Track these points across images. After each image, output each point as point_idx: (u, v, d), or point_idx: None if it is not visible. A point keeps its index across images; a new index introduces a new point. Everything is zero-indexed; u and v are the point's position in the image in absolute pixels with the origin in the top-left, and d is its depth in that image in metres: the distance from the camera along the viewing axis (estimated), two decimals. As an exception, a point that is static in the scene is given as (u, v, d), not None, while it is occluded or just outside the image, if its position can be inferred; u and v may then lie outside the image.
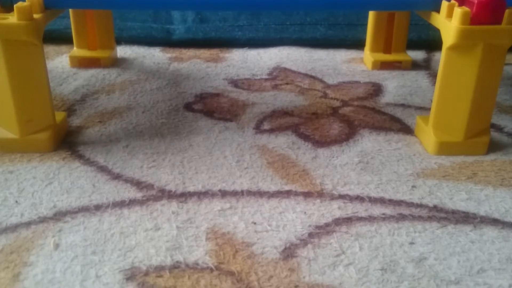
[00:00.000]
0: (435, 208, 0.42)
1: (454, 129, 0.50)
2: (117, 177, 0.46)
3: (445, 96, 0.49)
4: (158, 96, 0.63)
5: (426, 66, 0.76)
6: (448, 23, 0.46)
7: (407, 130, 0.56)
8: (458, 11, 0.45)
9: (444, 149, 0.50)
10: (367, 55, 0.75)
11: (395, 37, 0.74)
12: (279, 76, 0.71)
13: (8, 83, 0.46)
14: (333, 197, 0.44)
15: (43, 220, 0.40)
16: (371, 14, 0.73)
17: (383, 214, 0.42)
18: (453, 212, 0.42)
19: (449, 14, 0.47)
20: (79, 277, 0.35)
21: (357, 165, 0.48)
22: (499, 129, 0.56)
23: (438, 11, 0.49)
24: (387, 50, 0.75)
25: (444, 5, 0.47)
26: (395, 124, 0.57)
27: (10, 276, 0.35)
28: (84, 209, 0.41)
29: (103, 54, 0.73)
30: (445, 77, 0.48)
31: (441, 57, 0.48)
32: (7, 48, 0.45)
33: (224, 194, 0.44)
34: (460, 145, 0.50)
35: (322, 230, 0.40)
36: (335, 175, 0.47)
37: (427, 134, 0.51)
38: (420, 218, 0.41)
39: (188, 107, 0.60)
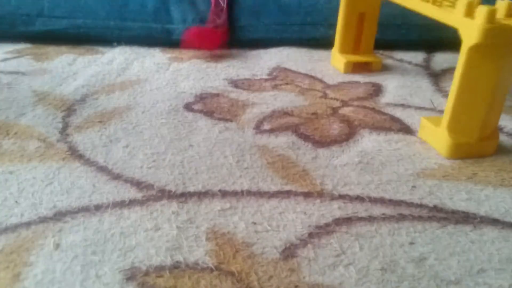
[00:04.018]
0: (435, 208, 0.42)
1: (469, 130, 0.49)
2: (117, 177, 0.46)
3: (463, 97, 0.48)
4: (158, 96, 0.63)
5: (426, 66, 0.76)
6: (471, 22, 0.44)
7: (407, 130, 0.56)
8: (483, 9, 0.43)
9: (459, 151, 0.50)
10: (337, 56, 0.73)
11: (365, 38, 0.73)
12: (279, 76, 0.71)
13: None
14: (333, 197, 0.44)
15: (43, 220, 0.40)
16: (342, 14, 0.71)
17: (383, 214, 0.42)
18: (453, 212, 0.42)
19: (469, 13, 0.45)
20: (79, 277, 0.34)
21: (357, 165, 0.48)
22: (499, 129, 0.56)
23: None
24: (356, 51, 0.73)
25: (462, 2, 0.46)
26: (395, 124, 0.57)
27: (10, 276, 0.35)
28: (84, 209, 0.41)
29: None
30: (464, 77, 0.47)
31: (461, 57, 0.47)
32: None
33: (224, 194, 0.44)
34: (473, 146, 0.50)
35: (322, 230, 0.40)
36: (335, 175, 0.47)
37: (440, 136, 0.50)
38: (420, 218, 0.41)
39: (188, 107, 0.60)
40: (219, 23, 0.75)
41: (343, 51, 0.73)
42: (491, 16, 0.43)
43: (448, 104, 0.49)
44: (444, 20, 0.49)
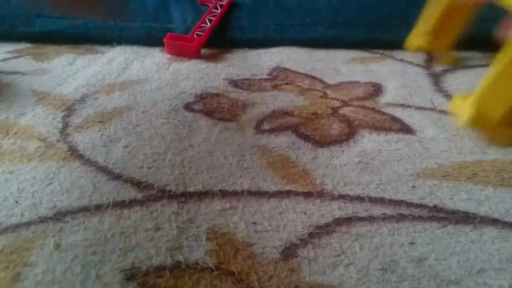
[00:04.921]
0: (435, 208, 0.42)
1: (494, 108, 0.50)
2: (117, 177, 0.46)
3: (499, 79, 0.49)
4: (158, 96, 0.63)
5: (426, 66, 0.76)
6: None
7: (407, 130, 0.56)
8: None
9: (480, 122, 0.51)
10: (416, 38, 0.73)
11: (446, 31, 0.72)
12: (279, 76, 0.71)
13: None
14: (333, 197, 0.44)
15: (43, 220, 0.40)
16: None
17: (383, 214, 0.42)
18: (453, 212, 0.42)
19: None
20: (79, 277, 0.35)
21: (357, 165, 0.48)
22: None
23: None
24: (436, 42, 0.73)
25: None
26: (395, 124, 0.57)
27: (10, 276, 0.35)
28: (84, 209, 0.41)
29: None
30: (509, 62, 0.48)
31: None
32: None
33: (224, 194, 0.44)
34: (493, 124, 0.51)
35: (322, 230, 0.40)
36: (335, 175, 0.47)
37: (467, 105, 0.51)
38: (420, 218, 0.41)
39: (188, 107, 0.60)
40: (197, 39, 0.76)
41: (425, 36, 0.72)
42: None
43: (483, 81, 0.50)
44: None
